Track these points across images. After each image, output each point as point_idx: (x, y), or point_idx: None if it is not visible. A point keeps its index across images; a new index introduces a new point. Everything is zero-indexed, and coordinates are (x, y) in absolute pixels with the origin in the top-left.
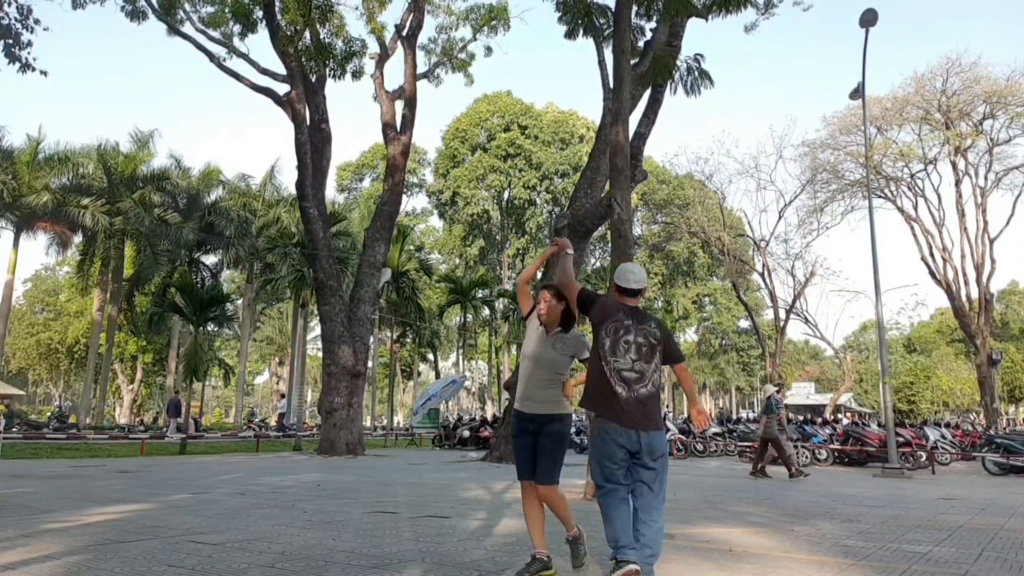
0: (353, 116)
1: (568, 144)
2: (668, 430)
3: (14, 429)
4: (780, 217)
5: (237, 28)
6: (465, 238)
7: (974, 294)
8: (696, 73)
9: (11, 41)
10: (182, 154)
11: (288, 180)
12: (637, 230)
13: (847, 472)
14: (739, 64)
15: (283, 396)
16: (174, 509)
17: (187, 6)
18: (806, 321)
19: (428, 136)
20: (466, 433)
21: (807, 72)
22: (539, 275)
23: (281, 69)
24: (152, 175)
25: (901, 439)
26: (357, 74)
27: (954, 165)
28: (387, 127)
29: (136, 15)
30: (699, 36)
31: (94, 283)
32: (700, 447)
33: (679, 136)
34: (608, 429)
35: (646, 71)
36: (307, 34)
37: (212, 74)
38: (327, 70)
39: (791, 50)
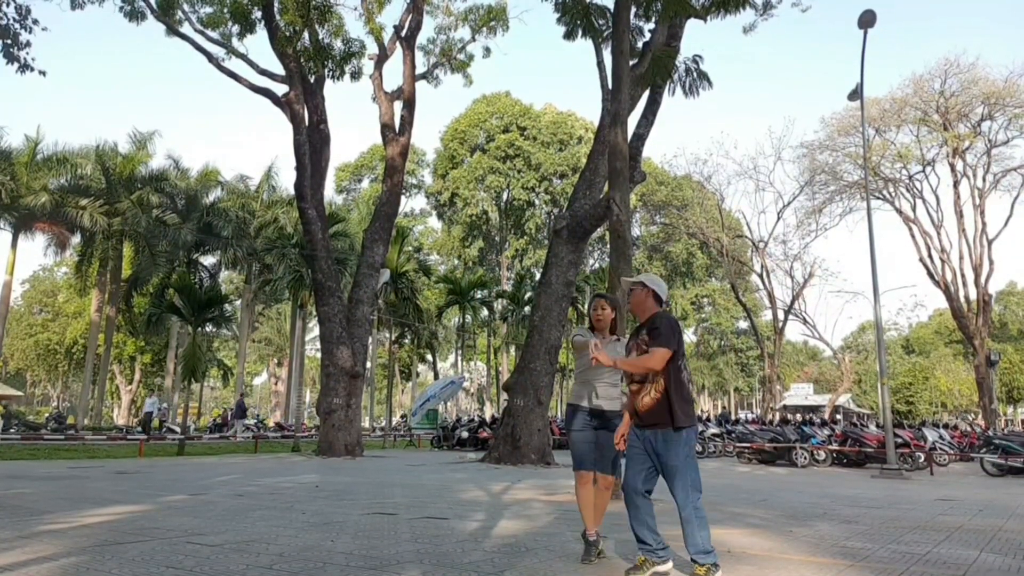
0: (352, 117)
1: (567, 145)
2: None
3: (12, 430)
4: (779, 218)
5: (236, 28)
6: (464, 239)
7: (972, 295)
8: (695, 74)
9: (10, 41)
10: (180, 155)
11: (286, 181)
12: (636, 231)
13: (845, 473)
14: (738, 65)
15: (153, 392)
16: (172, 510)
17: (185, 6)
18: (804, 322)
19: (427, 137)
20: (465, 434)
21: (806, 73)
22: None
23: (280, 70)
24: (150, 176)
25: (899, 440)
26: (356, 75)
27: (952, 166)
28: (386, 128)
29: (135, 15)
30: (698, 37)
31: (92, 284)
32: (699, 448)
33: (678, 137)
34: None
35: (645, 72)
36: (306, 35)
37: (211, 75)
38: (326, 71)
39: (790, 51)
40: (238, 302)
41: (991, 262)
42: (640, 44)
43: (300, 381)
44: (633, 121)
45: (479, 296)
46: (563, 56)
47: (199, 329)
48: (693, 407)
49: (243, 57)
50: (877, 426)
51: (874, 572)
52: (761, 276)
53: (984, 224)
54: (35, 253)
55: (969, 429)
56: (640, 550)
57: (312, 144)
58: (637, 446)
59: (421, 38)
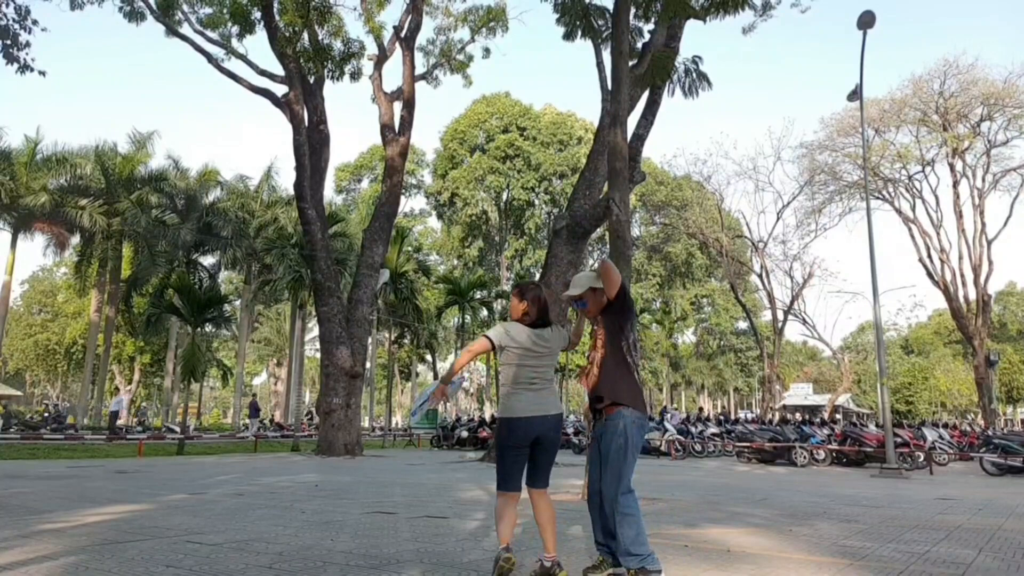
0: (352, 117)
1: (567, 145)
2: (666, 430)
3: (11, 430)
4: (778, 218)
5: (235, 29)
6: (464, 239)
7: (972, 295)
8: (694, 75)
9: (9, 42)
10: (180, 155)
11: (286, 181)
12: (635, 231)
13: (845, 472)
14: (737, 65)
15: (118, 390)
16: (172, 509)
17: (185, 7)
18: (804, 322)
19: (427, 137)
20: (464, 434)
21: (805, 73)
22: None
23: (279, 70)
24: (150, 176)
25: (899, 440)
26: (355, 75)
27: (952, 167)
28: (385, 128)
29: (134, 16)
30: (697, 37)
31: (92, 284)
32: (699, 447)
33: (677, 137)
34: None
35: (644, 72)
36: (305, 35)
37: (211, 75)
38: (325, 71)
39: (789, 51)
40: (238, 302)
41: (990, 262)
42: (639, 45)
43: (300, 381)
44: (633, 121)
45: (479, 296)
46: (563, 56)
47: (198, 329)
48: (639, 395)
49: (243, 58)
50: (877, 426)
51: (873, 571)
52: (760, 276)
53: (983, 224)
54: (34, 253)
55: (969, 429)
56: (599, 551)
57: (312, 144)
58: (594, 442)
59: (421, 39)
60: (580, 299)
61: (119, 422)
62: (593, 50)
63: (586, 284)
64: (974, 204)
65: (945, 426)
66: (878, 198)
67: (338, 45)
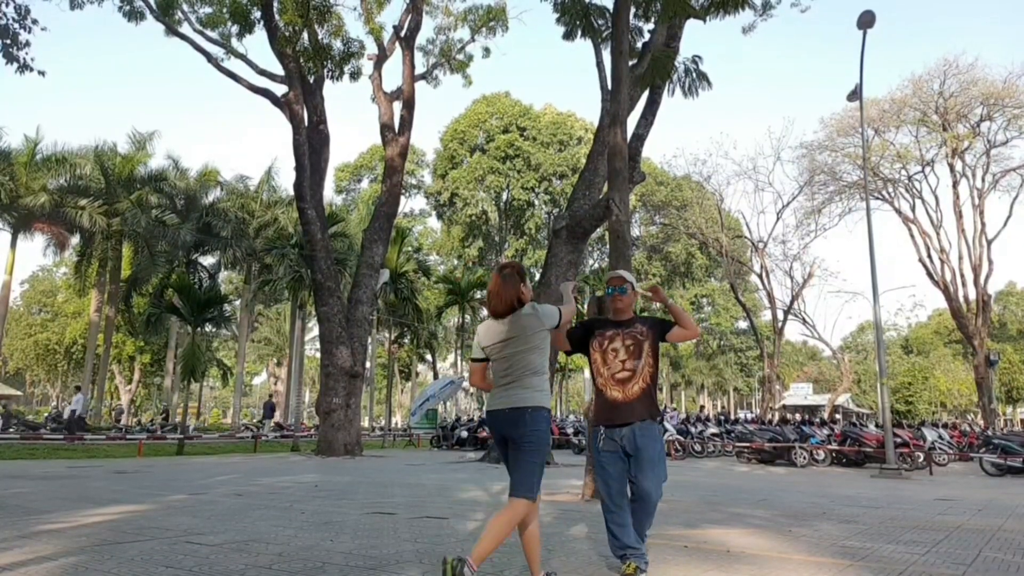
0: (352, 117)
1: (567, 145)
2: (666, 430)
3: (11, 430)
4: (778, 218)
5: (235, 28)
6: (464, 239)
7: (972, 295)
8: (694, 74)
9: (9, 41)
10: (180, 155)
11: (286, 181)
12: (635, 231)
13: (845, 473)
14: (737, 65)
15: (78, 388)
16: (171, 510)
17: (185, 6)
18: (804, 322)
19: (427, 137)
20: (464, 434)
21: (805, 73)
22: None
23: (279, 70)
24: (150, 176)
25: (899, 440)
26: (355, 75)
27: (951, 167)
28: (385, 128)
29: (134, 15)
30: (697, 37)
31: (91, 284)
32: (698, 447)
33: (677, 137)
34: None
35: (644, 72)
36: (305, 35)
37: (210, 75)
38: (325, 71)
39: (789, 51)
40: (237, 302)
41: (990, 262)
42: (639, 44)
43: (299, 381)
44: (632, 121)
45: (479, 296)
46: (563, 56)
47: (198, 329)
48: None
49: (242, 57)
50: (876, 426)
51: (873, 572)
52: (760, 276)
53: (983, 224)
54: (34, 253)
55: (968, 429)
56: (630, 556)
57: (311, 144)
58: (613, 447)
59: (420, 38)
60: (622, 286)
61: (121, 422)
62: (593, 50)
63: (634, 283)
64: (974, 204)
65: (945, 426)
66: (878, 198)
67: (338, 45)
